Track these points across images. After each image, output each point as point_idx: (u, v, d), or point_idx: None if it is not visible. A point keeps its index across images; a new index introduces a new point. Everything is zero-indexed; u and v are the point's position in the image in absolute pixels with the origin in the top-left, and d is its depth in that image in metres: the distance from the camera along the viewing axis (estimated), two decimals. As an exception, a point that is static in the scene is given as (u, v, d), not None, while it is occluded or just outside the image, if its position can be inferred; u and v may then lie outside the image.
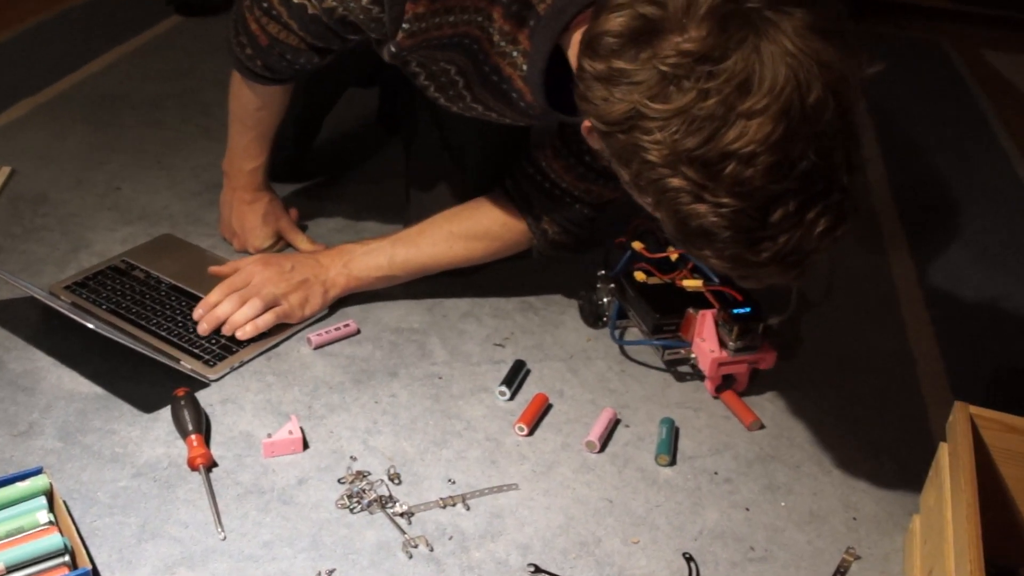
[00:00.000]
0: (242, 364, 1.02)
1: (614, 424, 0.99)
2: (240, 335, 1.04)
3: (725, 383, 1.05)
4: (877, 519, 0.91)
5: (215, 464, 0.89)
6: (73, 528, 0.78)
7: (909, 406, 1.07)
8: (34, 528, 0.76)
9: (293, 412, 0.96)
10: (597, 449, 0.95)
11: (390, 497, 0.87)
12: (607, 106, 0.71)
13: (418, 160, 1.26)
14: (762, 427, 1.01)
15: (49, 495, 0.79)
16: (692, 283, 1.06)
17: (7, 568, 0.72)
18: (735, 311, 1.00)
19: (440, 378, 1.04)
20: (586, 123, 0.76)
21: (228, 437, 0.93)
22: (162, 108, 1.61)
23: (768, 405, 1.05)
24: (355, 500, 0.86)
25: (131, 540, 0.80)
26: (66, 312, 0.97)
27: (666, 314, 1.06)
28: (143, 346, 0.99)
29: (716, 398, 1.04)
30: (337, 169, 1.47)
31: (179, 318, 1.07)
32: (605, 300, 1.13)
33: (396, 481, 0.89)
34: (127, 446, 0.90)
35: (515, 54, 0.90)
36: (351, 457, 0.92)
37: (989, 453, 0.82)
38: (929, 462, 0.87)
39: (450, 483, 0.90)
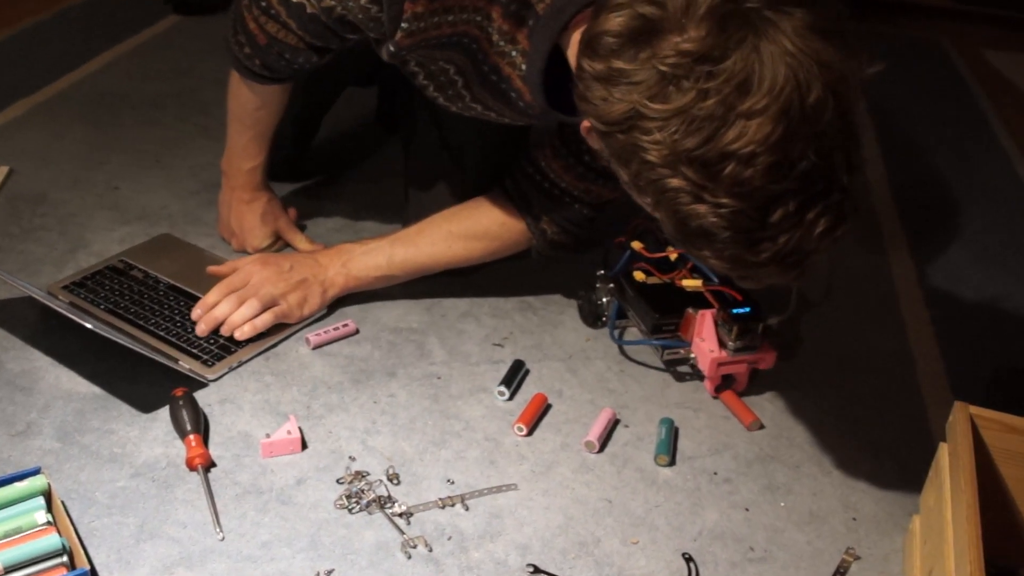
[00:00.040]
0: (240, 364, 1.02)
1: (613, 424, 0.99)
2: (238, 335, 1.03)
3: (724, 383, 1.05)
4: (877, 519, 0.91)
5: (213, 464, 0.89)
6: (71, 528, 0.78)
7: (909, 406, 1.07)
8: (32, 528, 0.76)
9: (292, 412, 0.96)
10: (596, 449, 0.95)
11: (389, 497, 0.87)
12: (606, 106, 0.70)
13: (417, 160, 1.25)
14: (762, 427, 1.01)
15: (47, 495, 0.79)
16: (691, 283, 1.06)
17: (5, 568, 0.72)
18: (734, 311, 1.00)
19: (439, 378, 1.04)
20: (585, 123, 0.76)
21: (226, 437, 0.92)
22: (161, 107, 1.61)
23: (768, 405, 1.05)
24: (354, 500, 0.86)
25: (129, 540, 0.80)
26: (64, 312, 0.97)
27: (665, 314, 1.05)
28: (141, 346, 0.99)
29: (716, 398, 1.04)
30: (336, 168, 1.46)
31: (177, 318, 1.07)
32: (604, 300, 1.13)
33: (395, 481, 0.89)
34: (125, 446, 0.90)
35: (514, 54, 0.89)
36: (350, 457, 0.92)
37: (989, 453, 0.82)
38: (929, 462, 0.87)
39: (449, 483, 0.90)
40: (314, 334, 1.07)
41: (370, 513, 0.85)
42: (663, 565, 0.83)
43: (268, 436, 0.91)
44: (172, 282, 1.13)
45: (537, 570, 0.81)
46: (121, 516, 0.82)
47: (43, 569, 0.74)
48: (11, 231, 1.23)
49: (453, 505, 0.87)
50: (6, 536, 0.75)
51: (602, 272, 1.13)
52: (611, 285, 1.12)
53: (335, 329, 1.08)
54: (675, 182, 0.69)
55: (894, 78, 2.03)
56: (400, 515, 0.85)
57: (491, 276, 1.19)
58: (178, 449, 0.90)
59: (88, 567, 0.75)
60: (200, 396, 0.96)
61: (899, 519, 0.91)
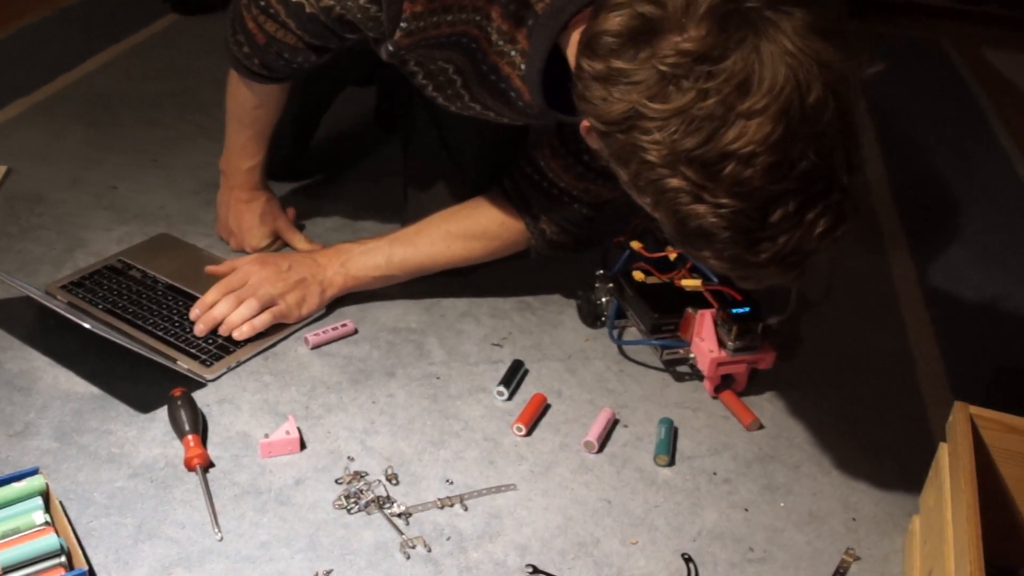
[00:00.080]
0: (239, 364, 1.02)
1: (612, 424, 0.99)
2: (237, 335, 1.03)
3: (724, 383, 1.04)
4: (877, 520, 0.90)
5: (212, 464, 0.89)
6: (69, 529, 0.78)
7: (909, 406, 1.07)
8: (30, 529, 0.76)
9: (290, 412, 0.96)
10: (595, 449, 0.95)
11: (388, 497, 0.87)
12: (606, 106, 0.70)
13: (416, 159, 1.25)
14: (761, 427, 1.01)
15: (45, 495, 0.79)
16: (691, 282, 1.05)
17: (3, 569, 0.72)
18: (734, 311, 1.00)
19: (438, 378, 1.04)
20: (585, 123, 0.76)
21: (225, 437, 0.92)
22: (159, 107, 1.61)
23: (767, 405, 1.04)
24: (352, 500, 0.86)
25: (128, 541, 0.80)
26: (62, 312, 0.97)
27: (665, 314, 1.05)
28: (140, 346, 0.99)
29: (715, 398, 1.04)
30: (335, 168, 1.46)
31: (176, 318, 1.06)
32: (603, 300, 1.13)
33: (394, 481, 0.89)
34: (123, 446, 0.90)
35: (513, 53, 0.89)
36: (348, 457, 0.91)
37: (989, 453, 0.82)
38: (929, 462, 0.87)
39: (448, 483, 0.90)
40: (313, 334, 1.06)
41: (369, 513, 0.85)
42: (662, 565, 0.83)
43: (267, 436, 0.91)
44: (170, 282, 1.13)
45: (536, 570, 0.81)
46: (119, 516, 0.82)
47: (41, 569, 0.73)
48: (9, 231, 1.22)
49: (452, 505, 0.87)
50: (4, 536, 0.75)
51: (601, 272, 1.13)
52: (610, 285, 1.12)
53: (334, 329, 1.08)
54: (675, 182, 0.68)
55: (894, 78, 2.03)
56: (399, 515, 0.85)
57: (490, 276, 1.19)
58: (176, 449, 0.90)
59: (86, 567, 0.75)
60: (198, 396, 0.96)
61: (899, 519, 0.91)
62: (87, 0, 2.04)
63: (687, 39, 0.66)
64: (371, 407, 0.98)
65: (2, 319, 1.05)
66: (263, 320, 1.05)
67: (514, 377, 1.03)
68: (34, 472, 0.80)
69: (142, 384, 0.97)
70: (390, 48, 0.90)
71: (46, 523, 0.76)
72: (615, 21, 0.69)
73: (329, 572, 0.79)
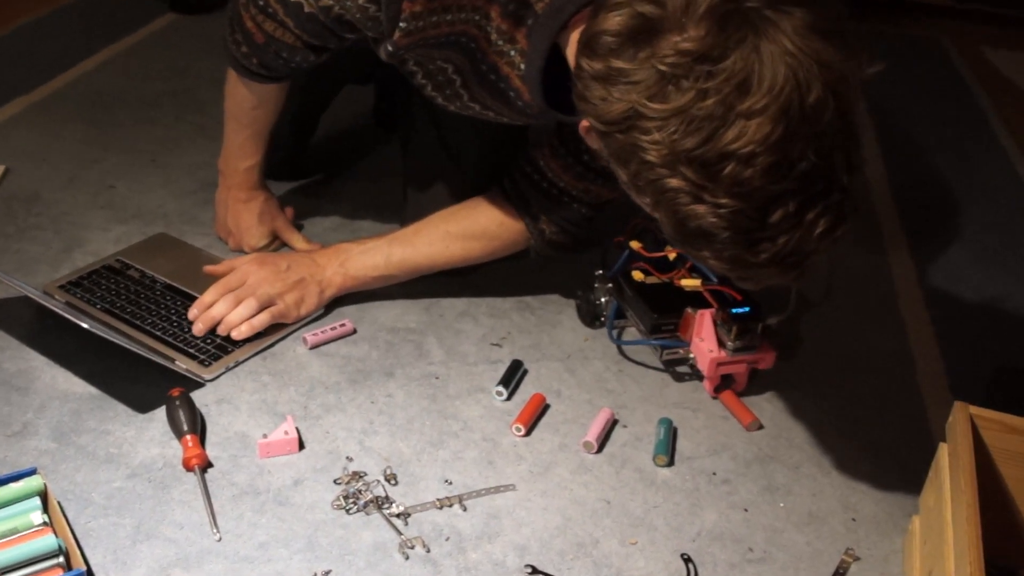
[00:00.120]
0: (237, 364, 1.02)
1: (612, 424, 0.99)
2: (235, 335, 1.03)
3: (724, 383, 1.04)
4: (876, 520, 0.90)
5: (210, 465, 0.89)
6: (67, 529, 0.78)
7: (909, 406, 1.07)
8: (28, 529, 0.75)
9: (289, 412, 0.96)
10: (595, 450, 0.95)
11: (386, 498, 0.87)
12: (605, 106, 0.70)
13: (415, 159, 1.25)
14: (761, 427, 1.01)
15: (43, 496, 0.79)
16: (690, 282, 1.05)
17: (1, 569, 0.72)
18: (734, 311, 1.00)
19: (437, 378, 1.04)
20: (584, 123, 0.76)
21: (223, 437, 0.92)
22: (157, 106, 1.61)
23: (767, 405, 1.04)
24: (351, 501, 0.86)
25: (126, 541, 0.80)
26: (60, 312, 0.96)
27: (664, 314, 1.05)
28: (138, 346, 0.98)
29: (715, 398, 1.04)
30: (333, 168, 1.46)
31: (174, 318, 1.06)
32: (603, 300, 1.13)
33: (392, 482, 0.89)
34: (122, 447, 0.90)
35: (513, 53, 0.89)
36: (347, 458, 0.91)
37: (989, 453, 0.82)
38: (929, 462, 0.87)
39: (447, 484, 0.89)
40: (311, 334, 1.06)
41: (367, 514, 0.85)
42: (662, 566, 0.83)
43: (265, 436, 0.91)
44: (169, 282, 1.13)
45: (535, 571, 0.81)
46: (117, 517, 0.82)
47: (39, 570, 0.73)
48: (7, 230, 1.22)
49: (451, 506, 0.87)
50: (2, 537, 0.74)
51: (600, 272, 1.13)
52: (609, 285, 1.12)
53: (332, 329, 1.08)
54: (674, 182, 0.68)
55: (894, 77, 2.03)
56: (398, 516, 0.85)
57: (489, 276, 1.19)
58: (175, 449, 0.90)
59: (84, 568, 0.75)
60: (197, 396, 0.96)
61: (899, 520, 0.90)
62: (86, -1, 2.05)
63: (687, 39, 0.66)
64: (370, 407, 0.98)
65: (0, 319, 1.05)
66: (262, 320, 1.04)
67: (513, 377, 1.03)
68: (32, 472, 0.80)
69: (140, 384, 0.97)
70: (389, 48, 0.89)
71: (44, 523, 0.76)
72: (615, 21, 0.69)
73: (328, 572, 0.79)
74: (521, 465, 0.93)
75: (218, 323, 1.04)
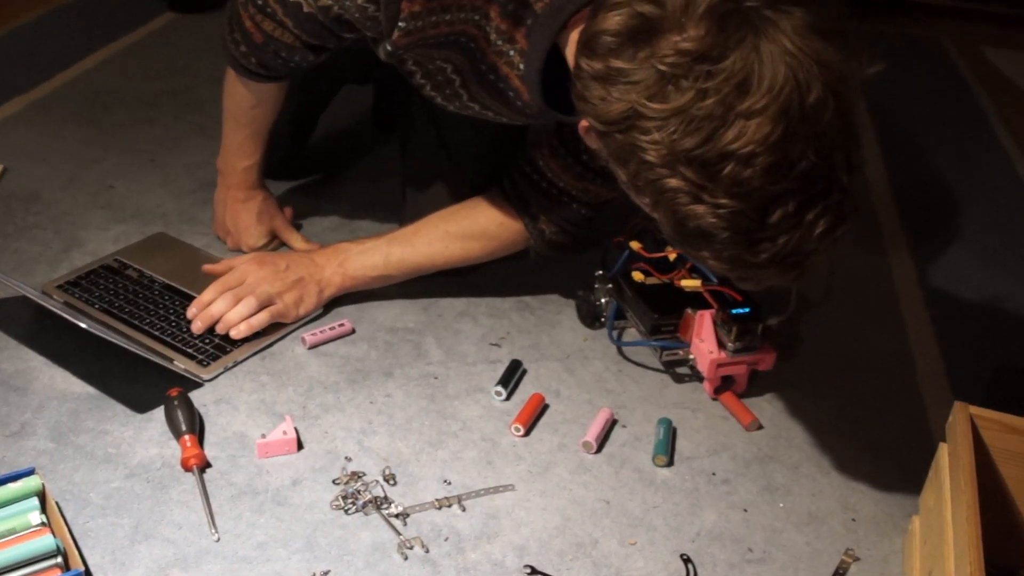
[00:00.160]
0: (236, 364, 1.02)
1: (611, 424, 0.99)
2: (234, 334, 1.03)
3: (724, 385, 1.04)
4: (876, 520, 0.90)
5: (209, 465, 0.88)
6: (66, 529, 0.78)
7: (909, 406, 1.07)
8: (26, 529, 0.75)
9: (287, 412, 0.96)
10: (594, 450, 0.95)
11: (385, 498, 0.87)
12: (605, 106, 0.70)
13: (414, 159, 1.25)
14: (760, 427, 1.01)
15: (41, 496, 0.79)
16: (690, 283, 1.05)
17: (-1, 570, 0.72)
18: (734, 311, 1.00)
19: (436, 378, 1.03)
20: (583, 123, 0.76)
21: (222, 437, 0.92)
22: (156, 106, 1.61)
23: (767, 405, 1.04)
24: (350, 501, 0.86)
25: (124, 541, 0.80)
26: (59, 311, 0.96)
27: (664, 314, 1.05)
28: (136, 346, 0.98)
29: (715, 400, 1.04)
30: (332, 167, 1.46)
31: (172, 317, 1.06)
32: (603, 300, 1.12)
33: (391, 482, 0.89)
34: (120, 447, 0.89)
35: (512, 53, 0.89)
36: (346, 458, 0.91)
37: (989, 453, 0.82)
38: (929, 462, 0.87)
39: (446, 484, 0.89)
40: (310, 334, 1.06)
41: (366, 514, 0.85)
42: (661, 566, 0.83)
43: (264, 436, 0.91)
44: (167, 281, 1.12)
45: (534, 571, 0.81)
46: (116, 517, 0.82)
47: (37, 570, 0.73)
48: (5, 230, 1.22)
49: (450, 506, 0.87)
50: (0, 537, 0.74)
51: (601, 272, 1.13)
52: (609, 285, 1.11)
53: (331, 329, 1.07)
54: (674, 182, 0.68)
55: (894, 77, 2.03)
56: (396, 516, 0.85)
57: (488, 276, 1.19)
58: (173, 450, 0.89)
59: (82, 568, 0.75)
60: (195, 396, 0.96)
61: (899, 520, 0.90)
62: (84, -2, 2.04)
63: (686, 39, 0.66)
64: (369, 407, 0.98)
65: (-2, 319, 1.05)
66: (260, 319, 1.04)
67: (512, 377, 1.03)
68: (30, 472, 0.80)
69: (139, 384, 0.96)
70: (388, 48, 0.89)
71: (42, 524, 0.76)
72: (614, 20, 0.69)
73: (326, 573, 0.79)
74: (520, 465, 0.93)
75: (217, 322, 1.04)
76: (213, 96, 1.26)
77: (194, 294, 1.08)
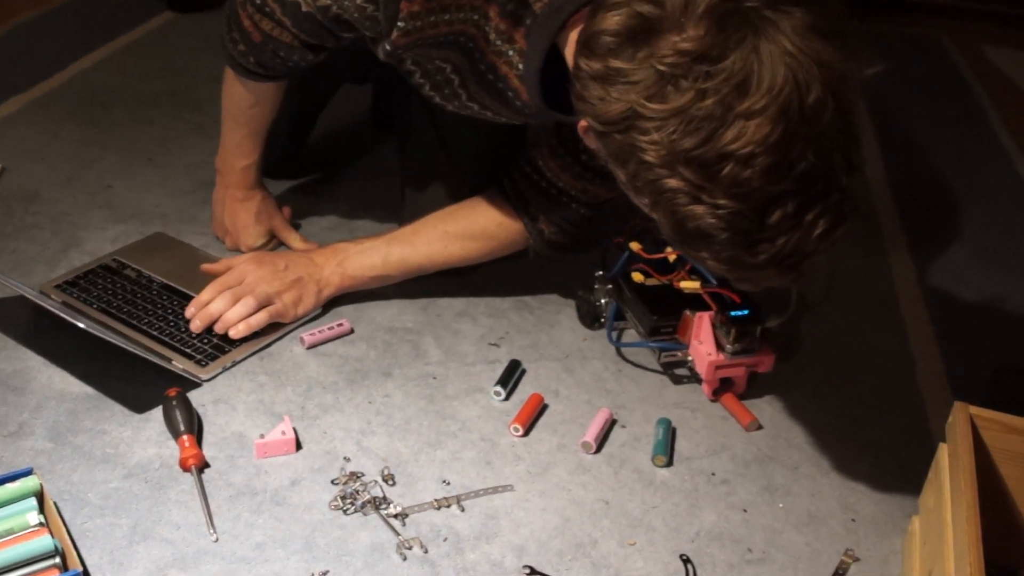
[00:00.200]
0: (234, 364, 1.02)
1: (610, 425, 0.98)
2: (233, 334, 1.03)
3: (723, 387, 1.04)
4: (876, 521, 0.90)
5: (207, 465, 0.88)
6: (64, 529, 0.78)
7: (909, 406, 1.07)
8: (24, 530, 0.75)
9: (286, 412, 0.95)
10: (593, 450, 0.95)
11: (384, 498, 0.86)
12: (604, 106, 0.70)
13: (413, 158, 1.25)
14: (760, 428, 1.00)
15: (39, 496, 0.79)
16: (690, 284, 1.05)
17: (-3, 570, 0.72)
18: (733, 313, 1.00)
19: (434, 378, 1.03)
20: (582, 123, 0.76)
21: (220, 438, 0.92)
22: (154, 105, 1.60)
23: (766, 406, 1.04)
24: (349, 501, 0.86)
25: (122, 542, 0.80)
26: (57, 311, 0.96)
27: (663, 316, 1.05)
28: (134, 346, 0.98)
29: (714, 401, 1.03)
30: (331, 167, 1.46)
31: (171, 317, 1.06)
32: (603, 301, 1.12)
33: (390, 482, 0.89)
34: (118, 447, 0.89)
35: (511, 53, 0.89)
36: (345, 458, 0.91)
37: (989, 454, 0.82)
38: (929, 463, 0.86)
39: (444, 484, 0.89)
40: (309, 333, 1.06)
41: (365, 514, 0.85)
42: (660, 567, 0.83)
43: (262, 436, 0.90)
44: (165, 281, 1.12)
45: (533, 572, 0.81)
46: (114, 517, 0.82)
47: (35, 571, 0.73)
48: (3, 230, 1.22)
49: (449, 506, 0.87)
50: (-2, 538, 0.74)
51: (600, 273, 1.12)
52: (609, 286, 1.11)
53: (330, 329, 1.07)
54: (673, 183, 0.68)
55: (894, 76, 2.03)
56: (395, 516, 0.85)
57: (487, 275, 1.19)
58: (171, 450, 0.89)
59: (80, 569, 0.74)
60: (194, 396, 0.96)
61: (898, 520, 0.90)
62: (83, -3, 2.04)
63: (686, 39, 0.65)
64: (367, 407, 0.98)
65: (-4, 318, 1.05)
66: (259, 319, 1.04)
67: (511, 377, 1.02)
68: (28, 473, 0.80)
69: (137, 384, 0.96)
70: (387, 48, 0.89)
71: (40, 524, 0.76)
72: (613, 20, 0.69)
73: (325, 573, 0.79)
74: (519, 465, 0.92)
75: (215, 321, 1.03)
76: (212, 95, 1.25)
77: (193, 294, 1.08)
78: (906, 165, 1.68)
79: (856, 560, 0.85)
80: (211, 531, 0.81)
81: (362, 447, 0.92)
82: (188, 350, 1.01)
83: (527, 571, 0.81)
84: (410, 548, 0.82)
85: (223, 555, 0.79)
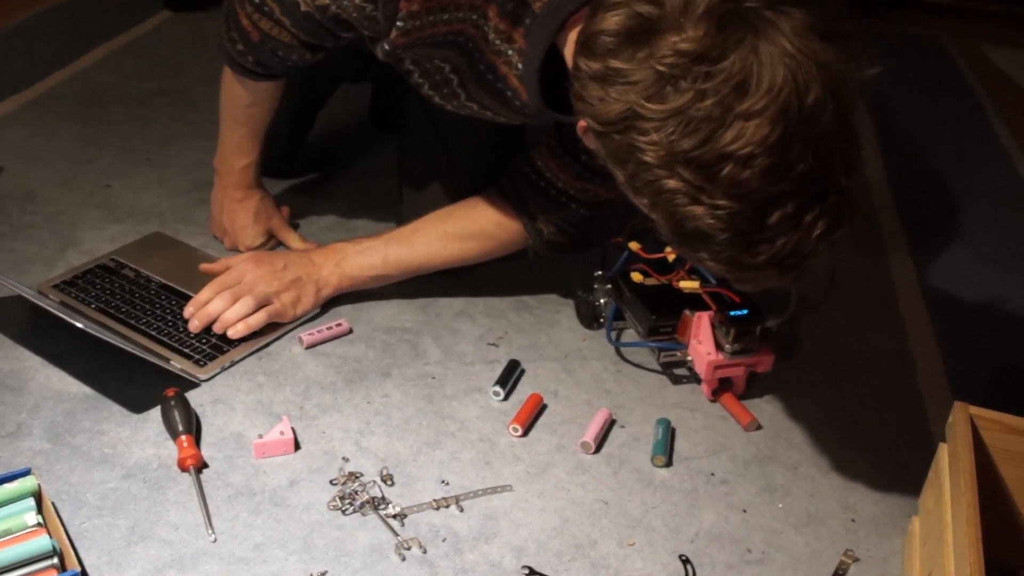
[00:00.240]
0: (233, 364, 1.01)
1: (609, 425, 0.98)
2: (231, 333, 1.03)
3: (722, 387, 1.04)
4: (876, 521, 0.90)
5: (205, 465, 0.88)
6: (62, 530, 0.77)
7: (909, 406, 1.06)
8: (22, 530, 0.75)
9: (284, 412, 0.95)
10: (592, 450, 0.94)
11: (383, 498, 0.86)
12: (603, 106, 0.70)
13: (412, 158, 1.25)
14: (759, 428, 1.00)
15: (37, 497, 0.79)
16: (689, 284, 1.05)
17: (-5, 571, 0.72)
18: (732, 313, 0.99)
19: (433, 378, 1.03)
20: (582, 123, 0.75)
21: (219, 438, 0.92)
22: (152, 105, 1.60)
23: (766, 406, 1.04)
24: (347, 502, 0.85)
25: (120, 542, 0.79)
26: (55, 311, 0.96)
27: (662, 316, 1.05)
28: (132, 345, 0.98)
29: (713, 402, 1.03)
30: (330, 166, 1.46)
31: (169, 317, 1.06)
32: (602, 301, 1.12)
33: (389, 482, 0.89)
34: (116, 447, 0.89)
35: (510, 53, 0.88)
36: (343, 458, 0.91)
37: (989, 454, 0.82)
38: (929, 463, 0.86)
39: (443, 484, 0.89)
40: (307, 333, 1.06)
41: (364, 514, 0.85)
42: (660, 567, 0.83)
43: (261, 437, 0.90)
44: (164, 281, 1.12)
45: (532, 572, 0.81)
46: (112, 517, 0.82)
47: (34, 571, 0.73)
48: (1, 229, 1.22)
49: (448, 506, 0.86)
50: (-4, 539, 0.74)
51: (600, 272, 1.12)
52: (608, 286, 1.11)
53: (328, 328, 1.07)
54: (672, 183, 0.68)
55: (894, 76, 2.03)
56: (394, 516, 0.85)
57: (486, 275, 1.19)
58: (170, 450, 0.89)
59: (79, 569, 0.74)
60: (192, 396, 0.96)
61: (898, 520, 0.90)
62: (81, -4, 2.04)
63: (685, 39, 0.65)
64: (366, 407, 0.98)
65: (-6, 318, 1.04)
66: (258, 319, 1.04)
67: (510, 377, 1.02)
68: (26, 473, 0.79)
69: (135, 384, 0.96)
70: (386, 47, 0.89)
71: (38, 524, 0.76)
72: (613, 20, 0.69)
73: (324, 574, 0.79)
74: (518, 466, 0.92)
75: (214, 321, 1.03)
76: (210, 95, 1.25)
77: (191, 294, 1.07)
78: (906, 165, 1.68)
79: (856, 560, 0.85)
80: (209, 531, 0.81)
81: (361, 447, 0.92)
82: (186, 350, 1.01)
83: (526, 571, 0.81)
84: (409, 548, 0.82)
85: (221, 555, 0.79)
